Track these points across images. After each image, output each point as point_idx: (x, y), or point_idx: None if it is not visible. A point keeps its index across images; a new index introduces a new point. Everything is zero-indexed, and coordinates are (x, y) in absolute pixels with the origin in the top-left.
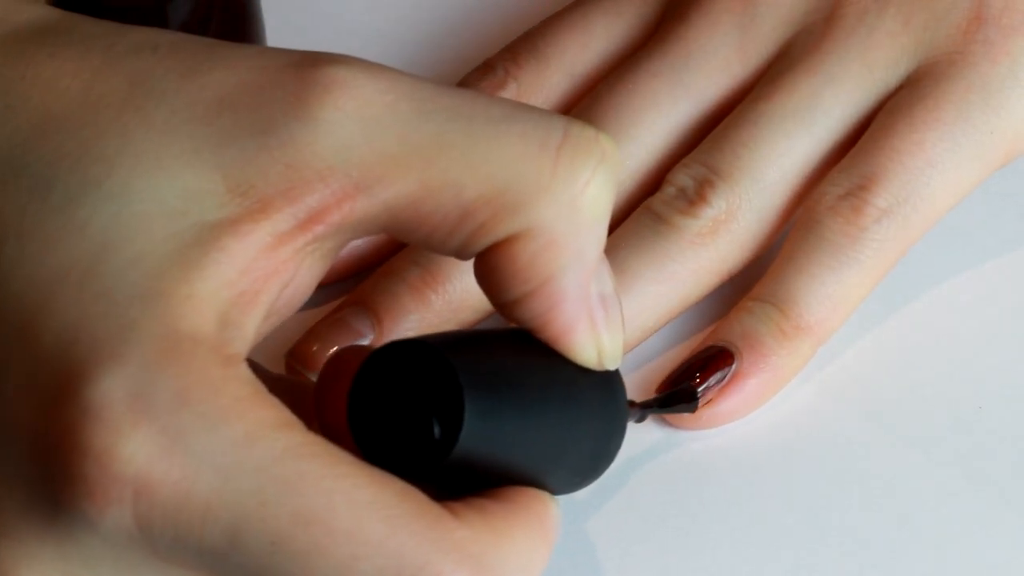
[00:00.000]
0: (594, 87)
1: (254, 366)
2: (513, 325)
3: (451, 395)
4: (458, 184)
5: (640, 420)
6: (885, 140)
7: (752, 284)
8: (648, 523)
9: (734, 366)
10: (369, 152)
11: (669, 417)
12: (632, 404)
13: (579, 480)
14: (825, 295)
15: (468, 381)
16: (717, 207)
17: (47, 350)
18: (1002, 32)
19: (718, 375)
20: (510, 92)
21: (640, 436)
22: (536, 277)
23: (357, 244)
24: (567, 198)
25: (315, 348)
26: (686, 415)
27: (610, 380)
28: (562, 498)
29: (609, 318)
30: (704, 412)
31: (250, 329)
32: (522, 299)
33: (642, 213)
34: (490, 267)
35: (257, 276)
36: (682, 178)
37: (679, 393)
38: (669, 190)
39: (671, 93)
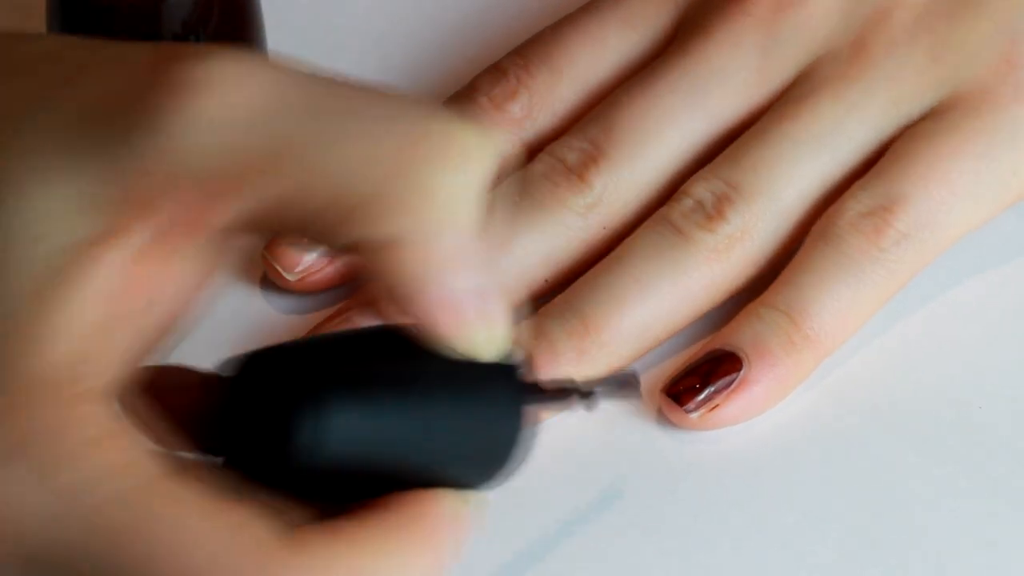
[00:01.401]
0: (606, 96)
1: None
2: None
3: (305, 400)
4: (308, 189)
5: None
6: (911, 166)
7: (754, 287)
8: (649, 523)
9: (742, 371)
10: (221, 158)
11: (672, 418)
12: (569, 390)
13: (486, 474)
14: (837, 309)
15: (322, 385)
16: (734, 224)
17: None
18: None
19: (726, 379)
20: (522, 103)
21: (642, 437)
22: (398, 278)
23: None
24: (422, 200)
25: None
26: (690, 417)
27: (500, 369)
28: (560, 498)
29: (486, 311)
30: (708, 415)
31: (111, 356)
32: (390, 297)
33: (658, 222)
34: (356, 266)
35: (118, 298)
36: (700, 191)
37: (620, 377)
38: (687, 202)
39: (689, 109)
